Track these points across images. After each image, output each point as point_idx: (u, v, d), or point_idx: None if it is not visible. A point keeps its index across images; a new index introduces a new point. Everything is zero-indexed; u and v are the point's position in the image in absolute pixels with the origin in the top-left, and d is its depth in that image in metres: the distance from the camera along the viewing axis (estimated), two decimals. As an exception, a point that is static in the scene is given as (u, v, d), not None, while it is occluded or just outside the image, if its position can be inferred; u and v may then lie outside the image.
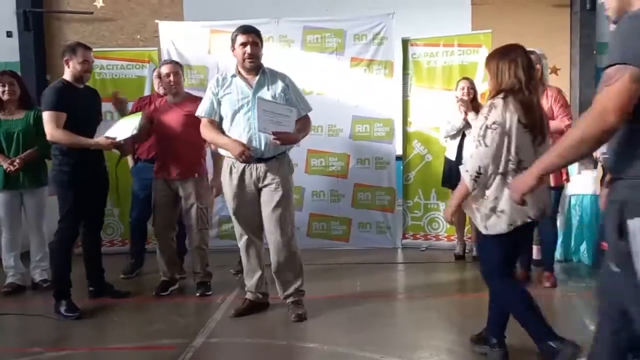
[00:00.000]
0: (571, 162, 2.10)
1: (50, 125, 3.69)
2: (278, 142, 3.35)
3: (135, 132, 3.81)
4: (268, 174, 3.48)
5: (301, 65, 5.33)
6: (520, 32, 6.20)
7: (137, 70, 5.49)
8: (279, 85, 3.50)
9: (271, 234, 3.56)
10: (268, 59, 5.40)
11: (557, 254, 4.55)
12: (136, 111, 4.42)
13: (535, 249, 4.43)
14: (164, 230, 4.13)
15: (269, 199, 3.51)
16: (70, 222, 3.79)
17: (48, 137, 3.76)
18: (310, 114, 3.64)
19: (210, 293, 4.10)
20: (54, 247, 3.83)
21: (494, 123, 2.62)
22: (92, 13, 6.90)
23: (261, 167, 3.48)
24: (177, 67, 4.14)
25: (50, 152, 4.29)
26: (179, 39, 5.52)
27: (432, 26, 4.89)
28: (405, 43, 5.44)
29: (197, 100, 3.95)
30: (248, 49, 3.42)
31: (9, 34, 6.91)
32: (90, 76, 3.98)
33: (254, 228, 3.63)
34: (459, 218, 5.09)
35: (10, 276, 4.32)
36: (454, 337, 3.24)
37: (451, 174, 4.77)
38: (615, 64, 1.65)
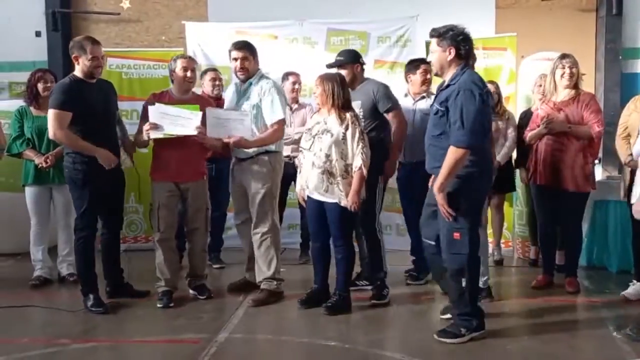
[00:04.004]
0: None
1: (54, 124, 3.60)
2: (231, 144, 3.74)
3: (194, 131, 3.65)
4: (244, 173, 3.88)
5: (325, 66, 5.35)
6: (545, 35, 6.15)
7: (162, 70, 5.54)
8: (256, 94, 3.82)
9: None
10: (292, 60, 5.42)
11: (581, 260, 4.49)
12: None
13: (558, 254, 4.37)
14: (168, 233, 3.87)
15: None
16: (88, 221, 3.78)
17: (50, 136, 3.70)
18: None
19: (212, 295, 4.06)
20: (76, 246, 3.84)
21: None
22: (119, 14, 7.01)
23: (241, 165, 3.91)
24: (194, 63, 3.96)
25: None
26: (204, 39, 5.58)
27: (456, 29, 4.87)
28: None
29: (202, 99, 4.08)
30: (238, 64, 3.81)
31: (38, 34, 7.04)
32: (101, 71, 3.81)
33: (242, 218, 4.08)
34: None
35: (38, 269, 4.42)
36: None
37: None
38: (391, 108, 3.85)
